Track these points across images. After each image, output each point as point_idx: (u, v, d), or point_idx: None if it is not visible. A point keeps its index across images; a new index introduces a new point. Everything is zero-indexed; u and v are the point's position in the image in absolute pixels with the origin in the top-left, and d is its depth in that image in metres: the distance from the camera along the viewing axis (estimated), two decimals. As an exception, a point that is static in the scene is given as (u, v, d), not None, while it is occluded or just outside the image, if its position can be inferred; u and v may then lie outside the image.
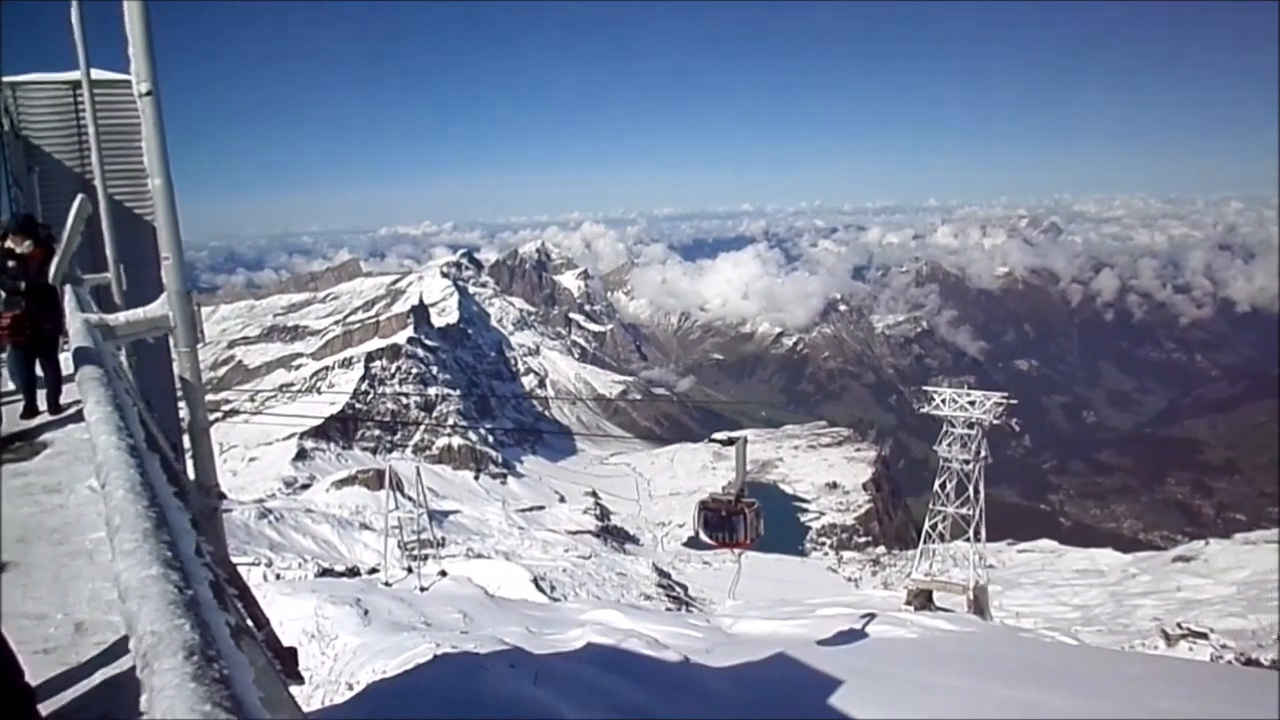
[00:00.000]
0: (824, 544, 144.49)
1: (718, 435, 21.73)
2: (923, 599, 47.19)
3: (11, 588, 4.95)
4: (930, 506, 48.32)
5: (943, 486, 46.99)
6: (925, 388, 48.53)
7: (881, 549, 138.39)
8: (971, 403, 45.08)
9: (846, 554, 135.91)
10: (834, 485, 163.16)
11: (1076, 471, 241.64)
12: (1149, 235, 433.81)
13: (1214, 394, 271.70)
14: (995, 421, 44.80)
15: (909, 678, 20.19)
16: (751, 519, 20.22)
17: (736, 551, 23.34)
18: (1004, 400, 45.15)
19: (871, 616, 33.17)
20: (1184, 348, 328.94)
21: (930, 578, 48.10)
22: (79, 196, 9.40)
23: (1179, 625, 54.64)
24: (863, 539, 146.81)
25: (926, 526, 48.72)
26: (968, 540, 46.74)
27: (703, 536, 21.38)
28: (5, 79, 16.02)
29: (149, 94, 5.46)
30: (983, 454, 45.21)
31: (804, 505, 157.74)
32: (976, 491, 45.91)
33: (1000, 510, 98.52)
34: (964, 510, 46.49)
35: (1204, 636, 50.97)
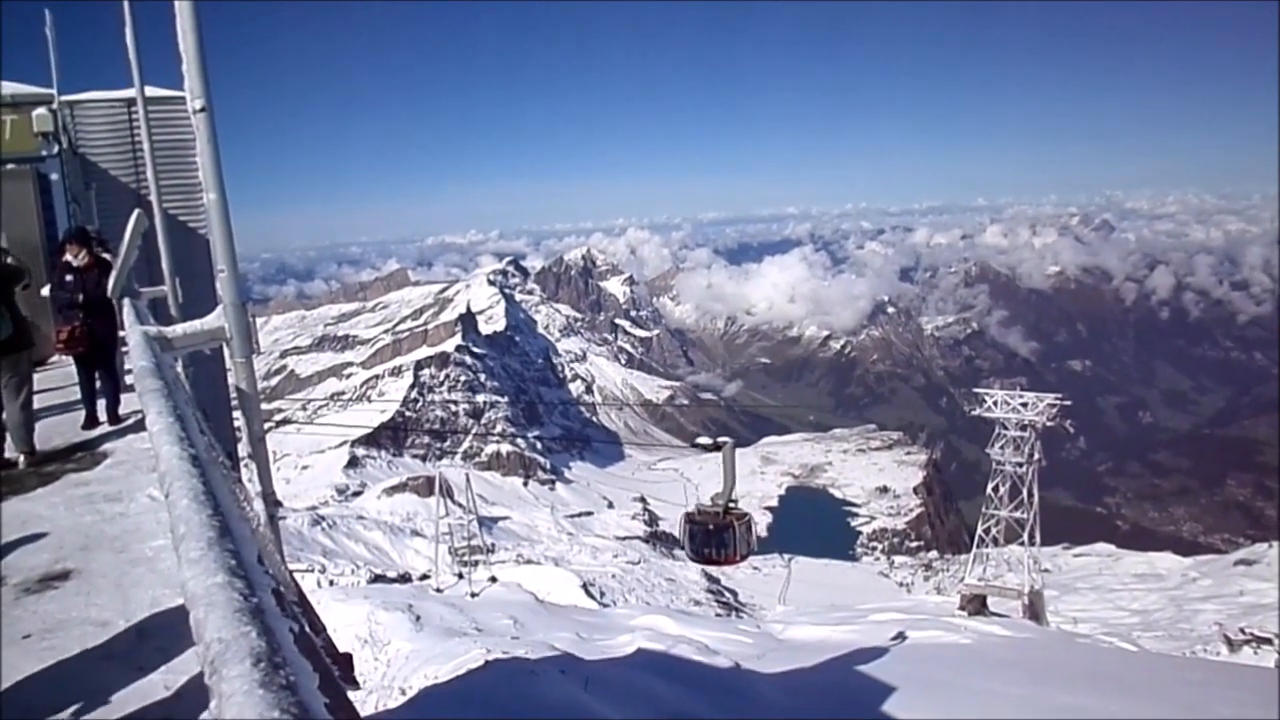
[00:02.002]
0: (875, 549, 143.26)
1: (701, 439, 19.68)
2: (977, 604, 46.60)
3: (74, 595, 5.06)
4: (983, 510, 47.76)
5: (996, 490, 46.43)
6: (976, 390, 48.11)
7: (934, 553, 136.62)
8: (1024, 404, 44.57)
9: (898, 559, 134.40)
10: (884, 489, 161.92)
11: (1133, 473, 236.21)
12: (1204, 231, 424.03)
13: (1274, 393, 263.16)
14: (1049, 423, 44.30)
15: (963, 684, 19.93)
16: (742, 532, 18.75)
17: (785, 556, 22.55)
18: (1057, 401, 44.61)
19: (924, 622, 32.88)
20: (1242, 345, 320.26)
21: (984, 582, 47.49)
22: (135, 211, 9.57)
23: (1242, 630, 53.59)
24: (914, 543, 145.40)
25: (980, 530, 48.15)
26: (1022, 544, 46.11)
27: (689, 554, 19.99)
28: (63, 98, 16.46)
29: (203, 110, 5.55)
30: (1036, 456, 44.65)
31: (854, 510, 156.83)
32: (1030, 494, 45.32)
33: (1055, 513, 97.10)
34: (1018, 514, 45.89)
35: (1269, 642, 49.94)
